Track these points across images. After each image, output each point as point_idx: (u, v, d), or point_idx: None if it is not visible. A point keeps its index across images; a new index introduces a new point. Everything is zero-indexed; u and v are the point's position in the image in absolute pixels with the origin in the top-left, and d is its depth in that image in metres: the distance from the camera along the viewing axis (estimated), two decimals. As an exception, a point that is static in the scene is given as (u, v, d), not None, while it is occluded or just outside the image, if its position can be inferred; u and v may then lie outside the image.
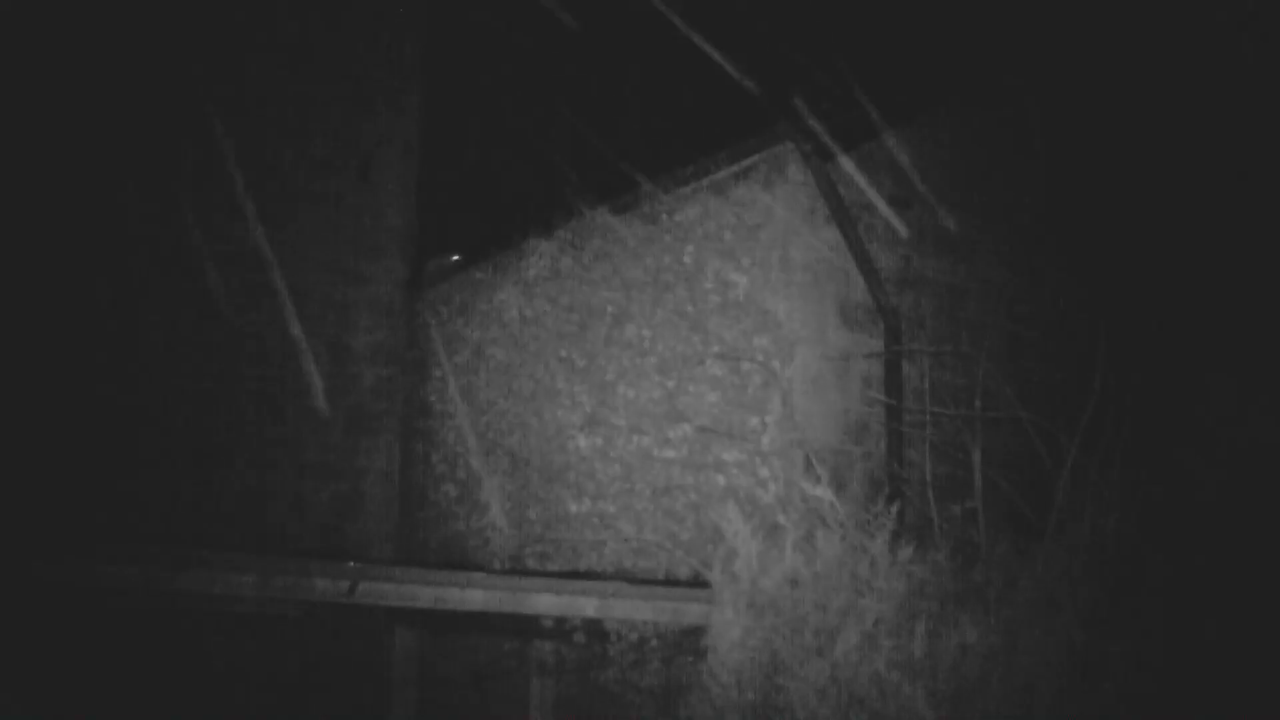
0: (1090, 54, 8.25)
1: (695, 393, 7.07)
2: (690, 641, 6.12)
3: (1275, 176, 7.77)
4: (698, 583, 6.20)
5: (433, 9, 10.26)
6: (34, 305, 8.13)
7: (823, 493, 6.06)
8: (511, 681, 7.92)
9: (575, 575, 6.76)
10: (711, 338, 7.04)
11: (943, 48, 7.89)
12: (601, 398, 7.62)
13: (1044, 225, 7.89)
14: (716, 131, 7.44)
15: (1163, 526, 6.16)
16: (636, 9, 9.31)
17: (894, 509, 5.94)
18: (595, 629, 6.24)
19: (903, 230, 7.18)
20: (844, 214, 6.87)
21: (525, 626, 6.74)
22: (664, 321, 7.30)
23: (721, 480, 6.81)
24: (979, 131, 7.79)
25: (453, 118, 10.38)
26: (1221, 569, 6.03)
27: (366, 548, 9.27)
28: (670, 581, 6.47)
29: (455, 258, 9.40)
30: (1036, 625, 5.66)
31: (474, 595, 5.47)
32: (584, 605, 5.86)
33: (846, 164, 7.04)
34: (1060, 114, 8.03)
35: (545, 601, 5.73)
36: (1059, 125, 8.03)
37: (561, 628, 6.30)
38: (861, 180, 7.12)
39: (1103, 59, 8.26)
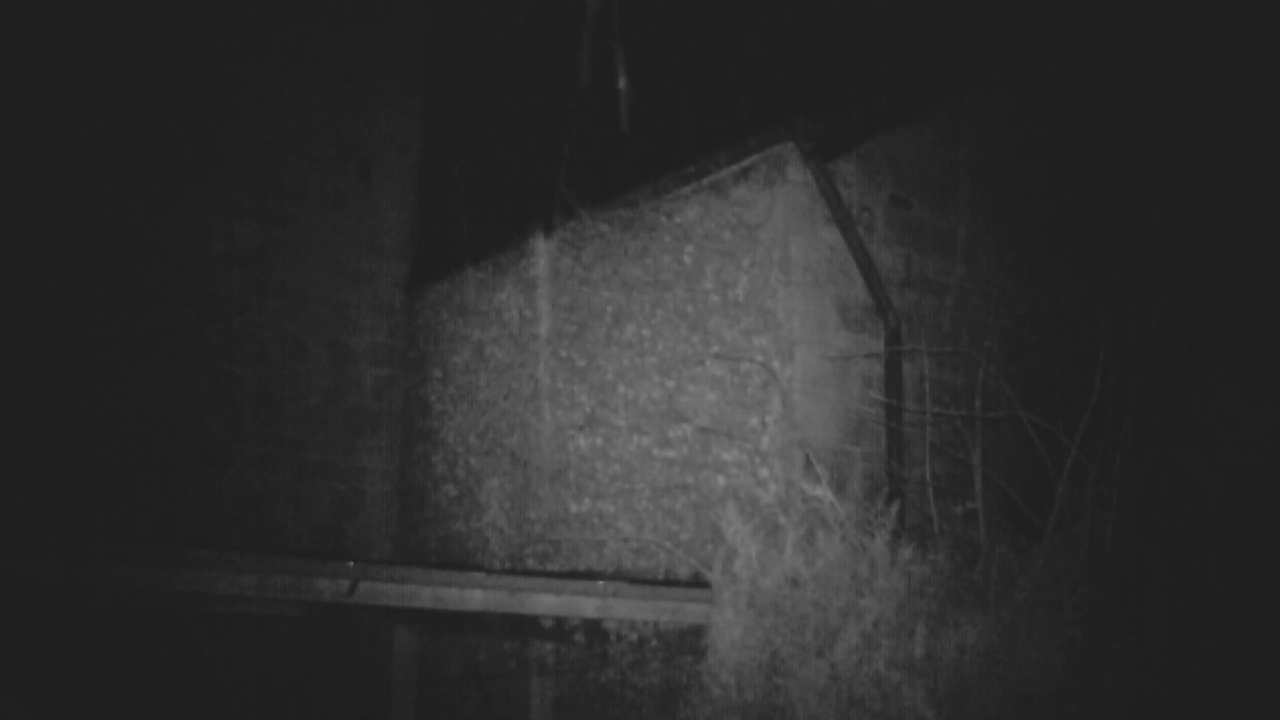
0: (1094, 53, 8.25)
1: (695, 393, 7.07)
2: (690, 641, 6.12)
3: (1277, 175, 7.77)
4: (698, 583, 6.20)
5: (433, 9, 10.27)
6: (34, 305, 8.13)
7: (823, 493, 6.07)
8: (511, 681, 7.91)
9: (575, 575, 6.76)
10: (711, 338, 7.04)
11: (944, 46, 7.88)
12: (601, 398, 7.62)
13: (1045, 225, 7.89)
14: (717, 131, 7.43)
15: (1163, 526, 6.15)
16: (637, 9, 9.31)
17: (894, 509, 5.94)
18: (595, 629, 6.24)
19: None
20: (844, 214, 6.86)
21: (525, 626, 6.74)
22: (664, 321, 7.30)
23: (721, 480, 6.81)
24: (980, 131, 7.78)
25: (453, 118, 10.38)
26: (1222, 569, 6.02)
27: (366, 548, 9.27)
28: (670, 581, 6.47)
29: (456, 257, 9.40)
30: (1036, 625, 5.66)
31: (474, 595, 5.47)
32: (584, 605, 5.85)
33: (846, 164, 7.04)
34: (1062, 113, 8.04)
35: (545, 601, 5.73)
36: (1061, 124, 8.03)
37: (561, 628, 6.30)
38: (861, 180, 7.12)
39: (1106, 58, 8.26)
